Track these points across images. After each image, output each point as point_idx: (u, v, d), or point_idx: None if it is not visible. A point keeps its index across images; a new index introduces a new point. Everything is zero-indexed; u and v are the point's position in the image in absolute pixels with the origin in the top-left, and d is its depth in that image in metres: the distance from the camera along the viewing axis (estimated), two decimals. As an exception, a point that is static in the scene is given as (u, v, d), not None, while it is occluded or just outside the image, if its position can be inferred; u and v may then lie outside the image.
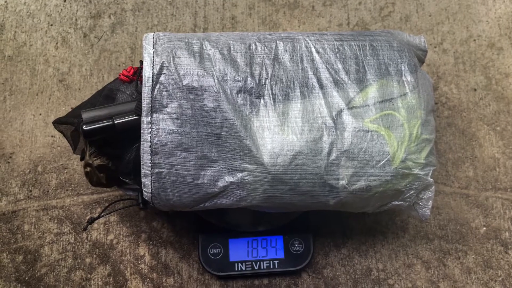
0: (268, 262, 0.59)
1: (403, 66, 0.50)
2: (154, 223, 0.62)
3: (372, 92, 0.48)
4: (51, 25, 0.70)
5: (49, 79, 0.67)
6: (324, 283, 0.60)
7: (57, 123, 0.53)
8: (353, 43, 0.50)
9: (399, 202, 0.51)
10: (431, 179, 0.49)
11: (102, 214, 0.54)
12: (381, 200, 0.50)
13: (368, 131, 0.46)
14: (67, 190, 0.63)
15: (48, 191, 0.63)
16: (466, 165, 0.65)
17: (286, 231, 0.60)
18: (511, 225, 0.63)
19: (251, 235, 0.60)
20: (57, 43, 0.69)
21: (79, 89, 0.67)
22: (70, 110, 0.63)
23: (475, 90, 0.69)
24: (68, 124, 0.52)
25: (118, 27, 0.70)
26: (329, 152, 0.46)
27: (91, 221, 0.53)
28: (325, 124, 0.46)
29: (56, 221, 0.62)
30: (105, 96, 0.53)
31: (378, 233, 0.63)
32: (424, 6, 0.72)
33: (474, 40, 0.71)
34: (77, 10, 0.71)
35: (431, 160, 0.49)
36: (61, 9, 0.71)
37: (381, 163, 0.46)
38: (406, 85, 0.49)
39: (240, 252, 0.59)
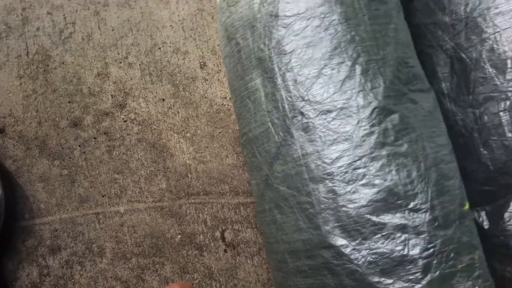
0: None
1: None
2: None
3: None
4: None
5: None
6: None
7: None
8: None
9: None
10: None
11: None
12: None
13: None
14: None
15: None
16: (159, 177, 0.67)
17: (-30, 287, 0.60)
18: (204, 227, 0.66)
19: None
20: None
21: None
22: None
23: (163, 100, 0.69)
24: None
25: None
26: None
27: None
28: None
29: None
30: None
31: (75, 264, 0.64)
32: (106, 20, 0.70)
33: (159, 48, 0.70)
34: None
35: None
36: None
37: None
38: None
39: None
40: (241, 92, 0.55)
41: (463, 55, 0.58)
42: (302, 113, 0.49)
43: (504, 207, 0.57)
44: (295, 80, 0.49)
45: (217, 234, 0.66)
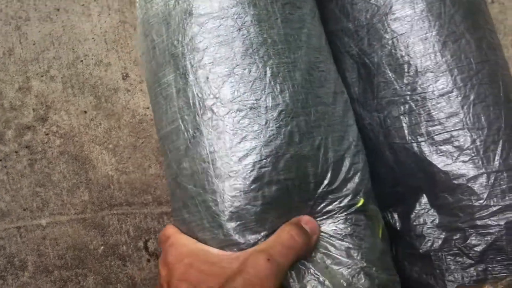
0: None
1: None
2: None
3: None
4: None
5: None
6: None
7: None
8: None
9: None
10: None
11: None
12: None
13: None
14: None
15: None
16: (81, 190, 0.67)
17: None
18: (127, 238, 0.66)
19: None
20: None
21: None
22: None
23: (85, 112, 0.69)
24: None
25: None
26: None
27: None
28: None
29: None
30: None
31: (-3, 278, 0.64)
32: (27, 35, 0.71)
33: (81, 60, 0.71)
34: None
35: None
36: None
37: None
38: None
39: None
40: (155, 88, 0.55)
41: (367, 61, 0.59)
42: (212, 111, 0.49)
43: (411, 208, 0.58)
44: (207, 78, 0.50)
45: (140, 244, 0.66)
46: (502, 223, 0.51)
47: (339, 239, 0.48)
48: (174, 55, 0.53)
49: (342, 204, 0.50)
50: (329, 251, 0.48)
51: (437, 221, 0.56)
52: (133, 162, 0.68)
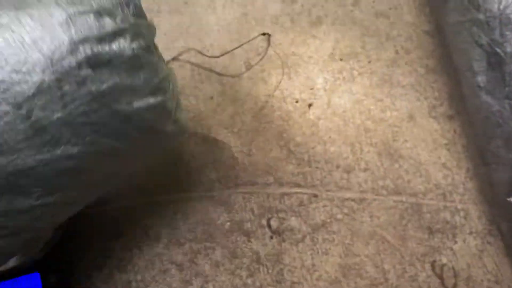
0: (27, 300, 0.65)
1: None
2: None
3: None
4: None
5: None
6: (91, 303, 0.67)
7: None
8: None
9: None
10: None
11: None
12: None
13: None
14: None
15: None
16: (209, 169, 0.72)
17: (42, 266, 0.66)
18: (252, 215, 0.71)
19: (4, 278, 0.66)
20: None
21: None
22: None
23: (212, 98, 0.75)
24: None
25: None
26: None
27: None
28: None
29: None
30: None
31: (134, 247, 0.69)
32: (159, 26, 0.77)
33: (208, 50, 0.76)
34: None
35: None
36: None
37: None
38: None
39: (1, 297, 0.65)
40: None
41: (498, 50, 0.61)
42: None
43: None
44: None
45: (264, 221, 0.70)
46: None
47: None
48: None
49: None
50: None
51: None
52: (256, 145, 0.73)
